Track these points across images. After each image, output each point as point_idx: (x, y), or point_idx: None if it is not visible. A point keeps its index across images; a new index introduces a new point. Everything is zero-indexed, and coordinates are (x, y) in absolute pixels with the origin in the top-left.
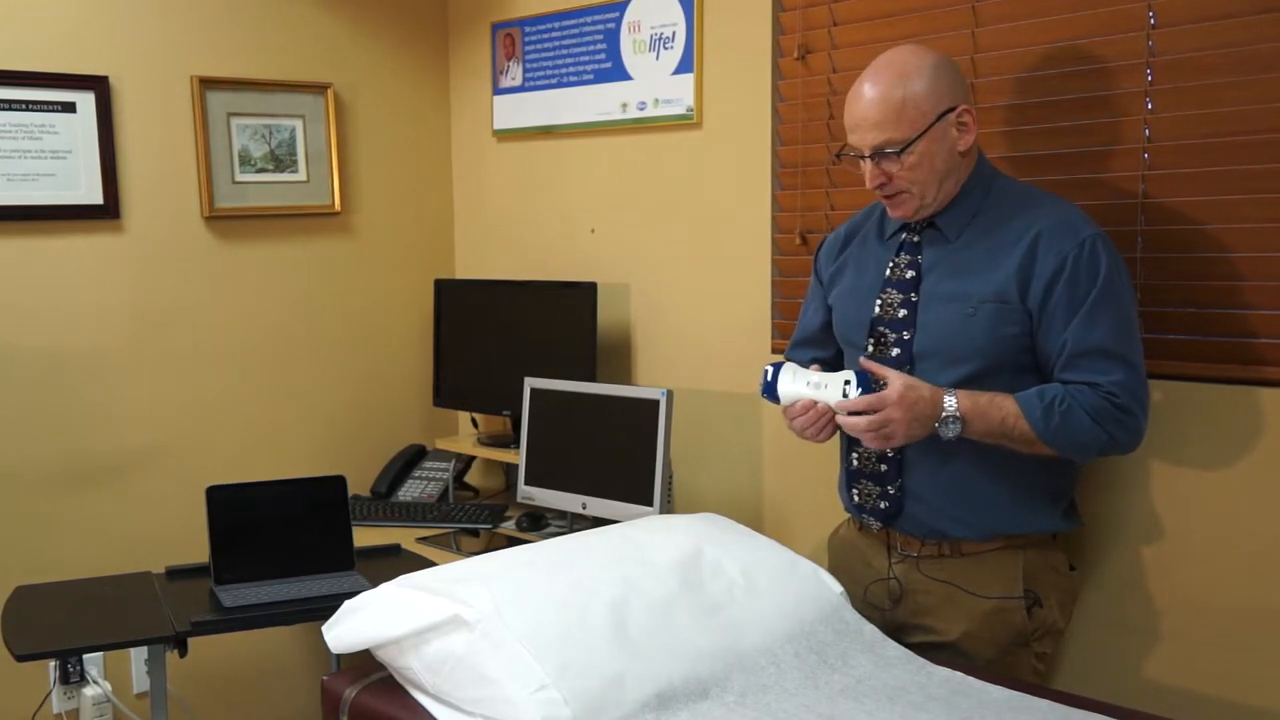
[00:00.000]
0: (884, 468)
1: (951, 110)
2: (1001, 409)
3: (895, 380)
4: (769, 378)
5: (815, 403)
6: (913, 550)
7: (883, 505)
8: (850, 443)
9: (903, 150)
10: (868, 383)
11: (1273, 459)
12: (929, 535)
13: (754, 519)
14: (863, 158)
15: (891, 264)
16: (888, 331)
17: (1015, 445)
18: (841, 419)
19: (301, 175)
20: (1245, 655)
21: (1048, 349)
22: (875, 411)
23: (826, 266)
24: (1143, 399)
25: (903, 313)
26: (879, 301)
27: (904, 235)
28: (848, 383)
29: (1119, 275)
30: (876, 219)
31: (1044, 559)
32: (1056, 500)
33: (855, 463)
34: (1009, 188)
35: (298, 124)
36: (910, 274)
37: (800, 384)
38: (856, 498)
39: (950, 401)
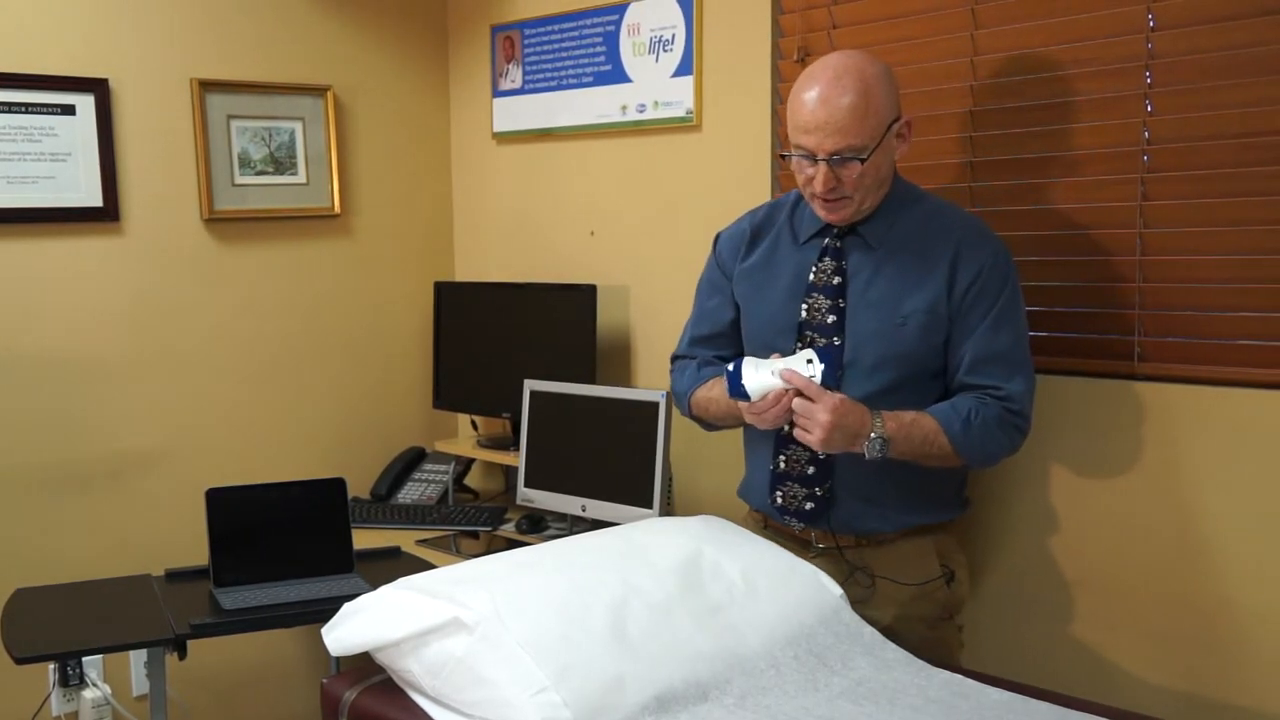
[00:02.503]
0: (812, 470)
1: (897, 120)
2: (923, 428)
3: (832, 395)
4: (734, 375)
5: (785, 392)
6: (829, 544)
7: (808, 506)
8: (777, 445)
9: (866, 157)
10: (828, 356)
11: (1267, 464)
12: (848, 531)
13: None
14: (814, 161)
15: (815, 268)
16: (816, 336)
17: (929, 461)
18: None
19: (301, 178)
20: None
21: (953, 352)
22: (812, 399)
23: (731, 261)
24: (1032, 405)
25: (831, 318)
26: (805, 305)
27: (825, 240)
28: (809, 361)
29: (1018, 289)
30: (786, 221)
31: (949, 539)
32: (959, 490)
33: (782, 465)
34: (915, 195)
35: (297, 126)
36: (837, 280)
37: (766, 375)
38: (780, 500)
39: (879, 424)
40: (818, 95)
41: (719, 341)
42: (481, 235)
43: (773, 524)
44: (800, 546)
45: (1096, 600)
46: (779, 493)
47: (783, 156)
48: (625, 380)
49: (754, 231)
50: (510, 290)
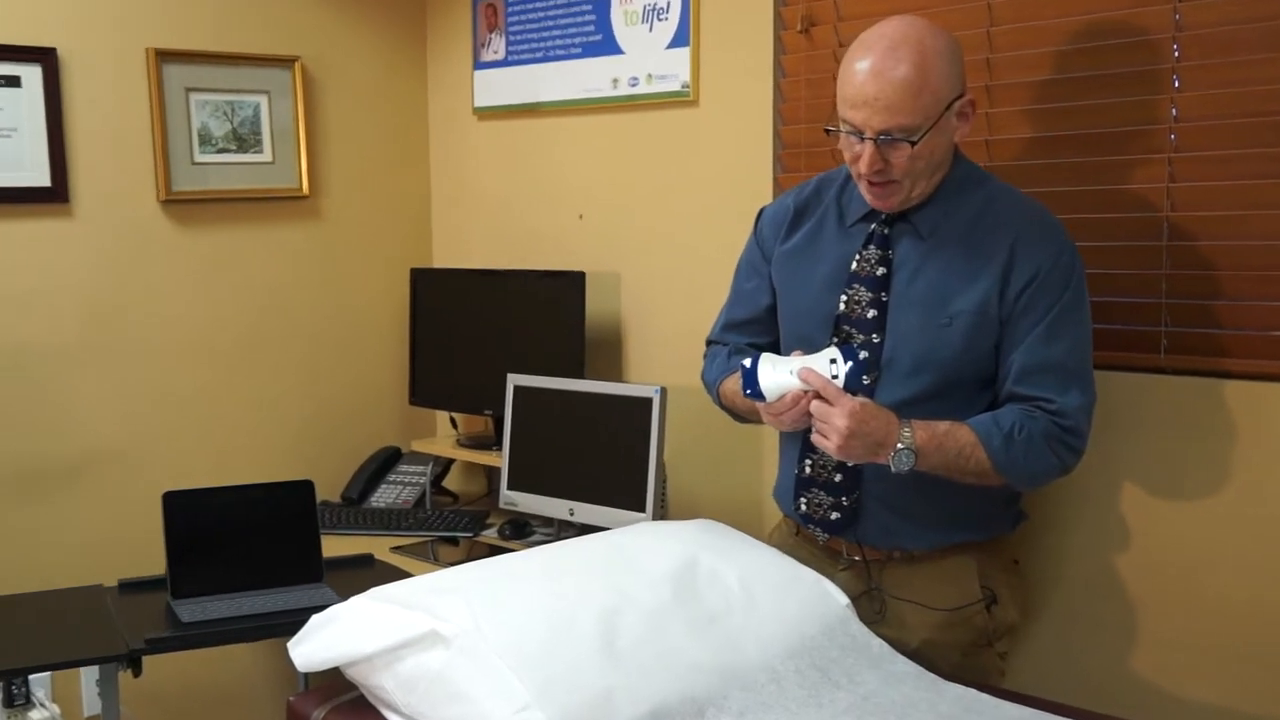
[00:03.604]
0: (839, 478)
1: (958, 99)
2: (958, 440)
3: (852, 400)
4: (750, 373)
5: (804, 394)
6: (860, 557)
7: (834, 516)
8: (803, 448)
9: (917, 140)
10: (855, 355)
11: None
12: (879, 545)
13: (754, 525)
14: (862, 139)
15: (859, 257)
16: (855, 332)
17: (964, 477)
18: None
19: (266, 156)
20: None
21: (1003, 359)
22: (830, 402)
23: (773, 241)
24: (1090, 421)
25: (871, 313)
26: (844, 297)
27: (872, 226)
28: (833, 361)
29: (1084, 292)
30: (834, 200)
31: (995, 557)
32: (1010, 504)
33: (808, 470)
34: (976, 179)
35: (262, 100)
36: (881, 270)
37: (784, 374)
38: (804, 507)
39: (907, 433)
40: (869, 66)
41: (754, 328)
42: (461, 218)
43: (804, 532)
44: (829, 559)
45: (1158, 619)
46: (803, 499)
47: (828, 131)
48: (616, 375)
49: (798, 210)
50: (492, 278)
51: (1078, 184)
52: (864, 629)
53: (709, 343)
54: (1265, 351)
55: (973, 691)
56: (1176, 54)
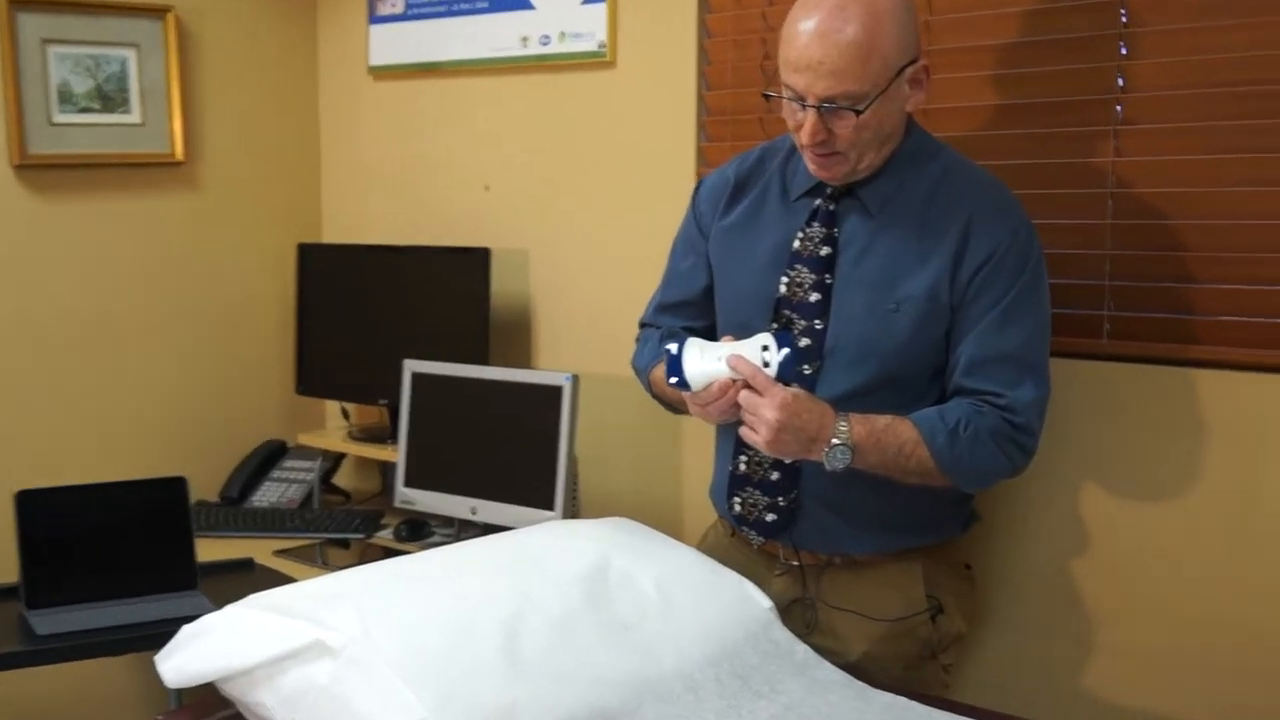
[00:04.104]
0: (776, 476)
1: (911, 64)
2: (899, 436)
3: (783, 390)
4: (675, 359)
5: (733, 383)
6: (798, 561)
7: (769, 518)
8: (738, 443)
9: (864, 108)
10: (791, 342)
11: (1233, 451)
12: (818, 549)
13: (673, 525)
14: (805, 106)
15: (802, 234)
16: (796, 317)
17: (906, 477)
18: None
19: (135, 117)
20: (1169, 659)
21: (953, 348)
22: (759, 393)
23: (710, 216)
24: (1043, 418)
25: (814, 297)
26: (785, 279)
27: (817, 201)
28: (765, 348)
29: (1043, 276)
30: (778, 172)
31: (943, 562)
32: (961, 504)
33: (743, 467)
34: (931, 152)
35: (130, 54)
36: (825, 250)
37: (711, 361)
38: (739, 507)
39: (843, 428)
40: (814, 26)
41: (690, 311)
42: (354, 189)
43: (740, 534)
44: (766, 563)
45: (1115, 626)
46: (738, 499)
47: (766, 97)
48: (524, 361)
49: (739, 181)
50: (388, 254)
51: (1016, 157)
52: (788, 634)
53: (641, 325)
54: (1213, 337)
55: (903, 700)
56: (1124, 18)
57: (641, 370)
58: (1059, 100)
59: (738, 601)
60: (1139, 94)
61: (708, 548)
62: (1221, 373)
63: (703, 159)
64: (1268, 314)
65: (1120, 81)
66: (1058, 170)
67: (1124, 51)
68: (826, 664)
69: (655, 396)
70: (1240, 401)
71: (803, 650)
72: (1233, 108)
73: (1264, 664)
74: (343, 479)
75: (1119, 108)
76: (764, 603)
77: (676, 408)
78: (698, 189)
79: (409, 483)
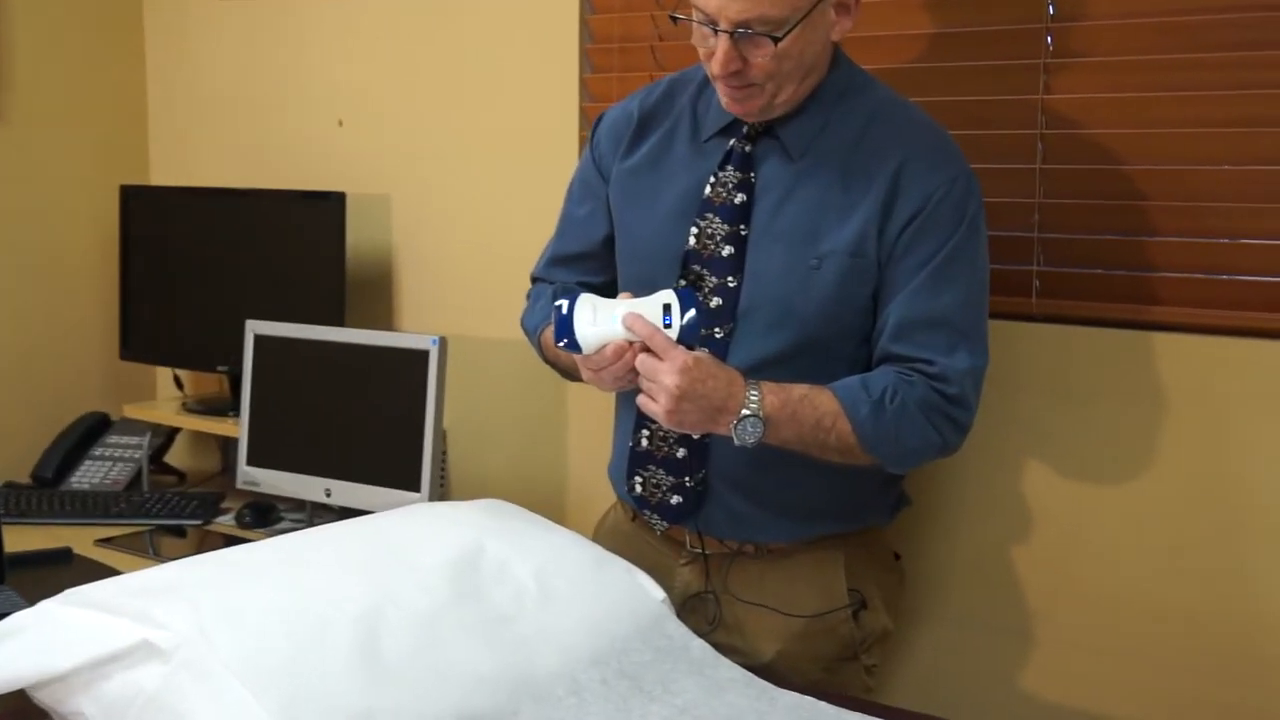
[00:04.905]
0: (682, 453)
1: None
2: (817, 407)
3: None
4: (565, 319)
5: (629, 346)
6: (705, 549)
7: (674, 500)
8: (639, 416)
9: (782, 35)
10: (695, 301)
11: (1177, 423)
12: (728, 536)
13: (554, 507)
14: (716, 31)
15: (714, 179)
16: (706, 274)
17: (825, 454)
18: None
19: None
20: (1107, 656)
21: (880, 310)
22: (659, 356)
23: (611, 156)
24: (979, 390)
25: (727, 250)
26: (695, 229)
27: (731, 142)
28: (667, 306)
29: (981, 231)
30: (688, 107)
31: (867, 551)
32: (889, 487)
33: (645, 443)
34: (859, 86)
35: None
36: (740, 198)
37: (606, 320)
38: (640, 488)
39: (754, 397)
40: None
41: (588, 264)
42: (186, 124)
43: (641, 518)
44: (670, 551)
45: (1058, 617)
46: (639, 478)
47: (674, 20)
48: (385, 322)
49: (643, 117)
50: (226, 198)
51: (934, 94)
52: (684, 629)
53: (533, 280)
54: (1154, 296)
55: (809, 700)
56: None
57: (531, 331)
58: (981, 30)
59: (627, 593)
60: (1071, 23)
61: (605, 532)
62: (1167, 335)
63: (586, 93)
64: (1213, 269)
65: (1051, 9)
66: (981, 108)
67: None
68: (725, 661)
69: (548, 362)
70: (1189, 367)
71: (699, 646)
72: (1167, 40)
73: (1216, 657)
74: (176, 457)
75: (1049, 38)
76: (656, 594)
77: (571, 374)
78: (597, 124)
79: (253, 461)
